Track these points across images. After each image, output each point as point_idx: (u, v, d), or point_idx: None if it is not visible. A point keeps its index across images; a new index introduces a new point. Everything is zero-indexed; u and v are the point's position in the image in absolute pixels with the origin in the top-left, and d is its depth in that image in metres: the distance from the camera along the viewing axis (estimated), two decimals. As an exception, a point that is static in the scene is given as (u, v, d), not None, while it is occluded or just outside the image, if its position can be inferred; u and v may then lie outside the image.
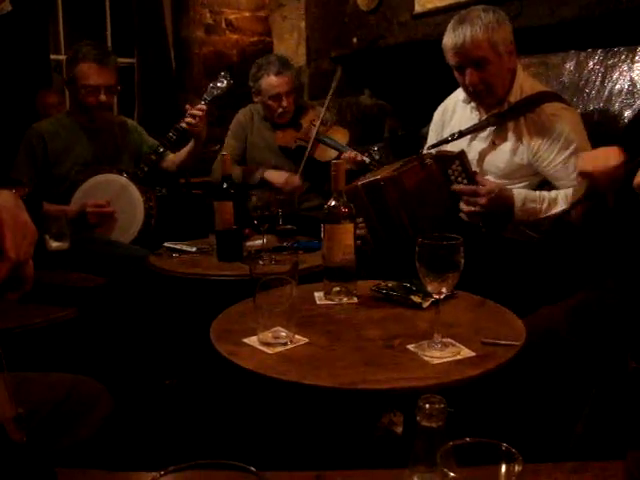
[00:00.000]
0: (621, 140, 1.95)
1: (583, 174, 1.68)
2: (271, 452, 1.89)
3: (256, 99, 3.48)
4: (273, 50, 5.07)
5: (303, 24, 4.74)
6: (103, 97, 3.02)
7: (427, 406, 0.75)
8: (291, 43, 4.90)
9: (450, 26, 2.32)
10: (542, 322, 1.74)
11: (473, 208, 2.17)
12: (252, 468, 0.58)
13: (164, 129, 3.25)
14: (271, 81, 3.34)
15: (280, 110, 3.38)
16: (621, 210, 1.69)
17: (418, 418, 0.75)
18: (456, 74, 2.36)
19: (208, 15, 5.12)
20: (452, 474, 0.65)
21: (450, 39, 2.29)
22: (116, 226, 3.00)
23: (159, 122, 4.14)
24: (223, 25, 5.18)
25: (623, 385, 0.88)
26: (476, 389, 1.48)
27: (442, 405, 0.75)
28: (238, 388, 2.02)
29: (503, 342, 1.43)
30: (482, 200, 2.15)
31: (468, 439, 0.69)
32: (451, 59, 2.32)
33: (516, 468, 0.68)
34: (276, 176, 3.34)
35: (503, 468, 0.69)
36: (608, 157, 1.58)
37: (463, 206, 2.19)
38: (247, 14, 5.24)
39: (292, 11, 4.88)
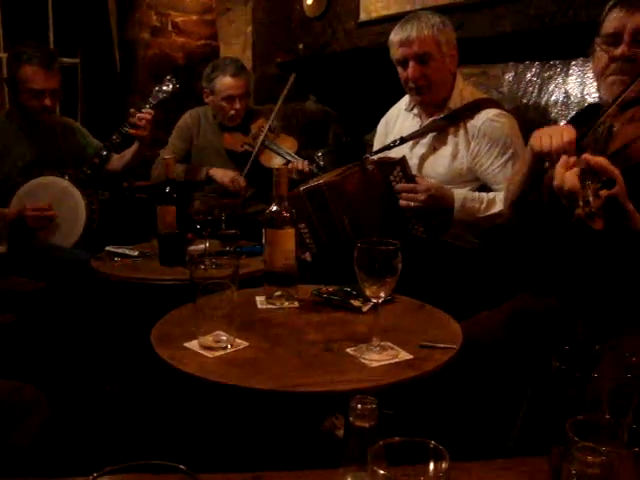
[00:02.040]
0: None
1: (536, 153, 1.69)
2: (212, 456, 1.90)
3: (208, 99, 3.44)
4: (219, 54, 5.05)
5: (250, 29, 4.74)
6: (47, 101, 2.97)
7: (359, 406, 0.77)
8: (237, 48, 4.90)
9: (397, 25, 2.41)
10: (480, 326, 1.79)
11: (412, 204, 2.21)
12: (182, 466, 0.59)
13: (108, 131, 3.21)
14: (226, 82, 3.32)
15: (232, 112, 3.36)
16: (553, 213, 1.73)
17: (351, 418, 0.78)
18: (399, 70, 2.42)
19: (154, 17, 5.07)
20: (382, 472, 0.68)
21: (397, 35, 2.37)
22: (57, 230, 2.94)
23: (103, 124, 4.08)
24: (169, 27, 5.13)
25: (547, 385, 0.92)
26: (415, 391, 1.52)
27: (374, 405, 0.77)
28: (179, 392, 2.01)
29: (440, 345, 1.47)
30: (421, 196, 2.19)
31: (397, 438, 0.72)
32: (396, 53, 2.39)
33: (443, 465, 0.71)
34: (221, 174, 3.32)
35: (431, 465, 0.72)
36: (562, 134, 1.61)
37: (402, 202, 2.22)
38: (194, 17, 5.20)
39: (239, 16, 4.88)
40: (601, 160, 1.38)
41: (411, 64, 2.35)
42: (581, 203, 1.33)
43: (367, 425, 0.77)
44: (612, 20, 1.73)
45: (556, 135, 1.62)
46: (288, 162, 3.24)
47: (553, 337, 1.68)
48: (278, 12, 4.41)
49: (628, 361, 0.94)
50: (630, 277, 1.60)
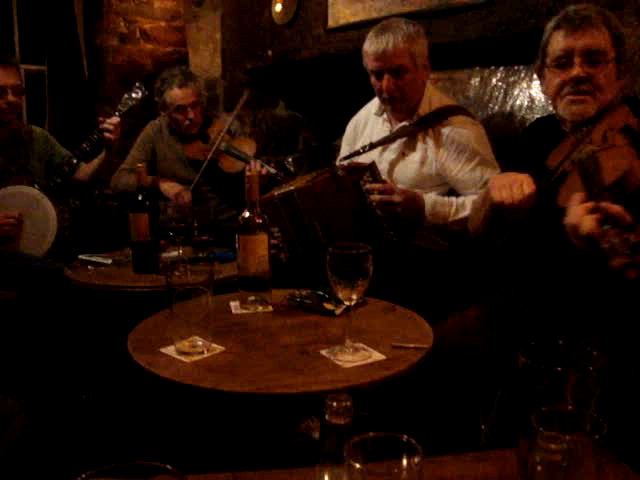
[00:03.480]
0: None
1: (496, 204, 1.69)
2: (191, 458, 1.91)
3: (162, 113, 3.45)
4: (189, 61, 5.06)
5: (218, 35, 4.75)
6: (11, 97, 2.96)
7: (334, 404, 0.80)
8: (206, 54, 4.91)
9: (372, 33, 2.41)
10: (450, 327, 1.83)
11: (388, 207, 2.23)
12: (168, 466, 0.61)
13: (77, 139, 3.20)
14: (175, 94, 3.31)
15: (187, 122, 3.35)
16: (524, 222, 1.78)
17: (326, 416, 0.81)
18: (373, 80, 2.44)
19: (122, 24, 5.06)
20: (358, 465, 0.71)
21: (372, 45, 2.37)
22: (28, 239, 2.93)
23: (72, 132, 4.07)
24: (137, 34, 5.13)
25: (514, 380, 0.96)
26: (390, 392, 1.56)
27: (349, 403, 0.80)
28: (156, 398, 2.02)
29: (412, 345, 1.51)
30: (397, 197, 2.22)
31: (372, 433, 0.75)
32: (371, 64, 2.41)
33: (416, 459, 0.74)
34: (168, 187, 3.31)
35: (405, 460, 0.75)
36: (522, 187, 1.62)
37: (379, 204, 2.23)
38: (162, 24, 5.20)
39: (208, 22, 4.89)
40: (619, 209, 1.36)
41: (386, 77, 2.37)
42: (606, 246, 1.31)
43: (342, 422, 0.80)
44: (559, 42, 1.77)
45: (516, 187, 1.63)
46: (248, 165, 3.23)
47: (521, 337, 1.72)
48: (247, 19, 4.43)
49: (589, 355, 0.98)
50: (595, 282, 1.65)
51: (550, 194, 1.65)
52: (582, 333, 1.58)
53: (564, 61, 1.76)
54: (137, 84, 3.25)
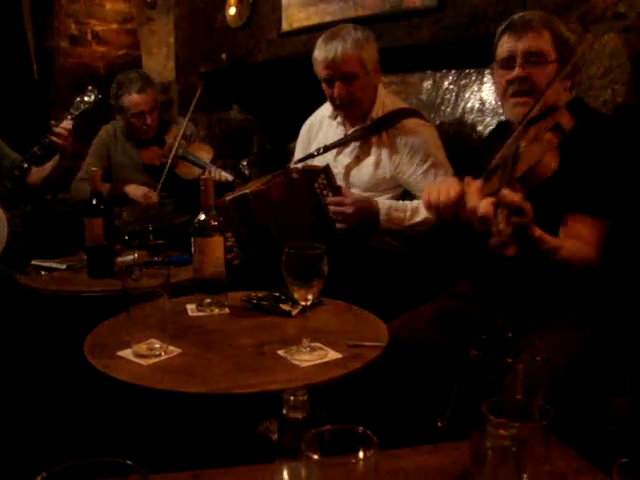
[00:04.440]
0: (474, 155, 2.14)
1: (428, 208, 1.79)
2: (152, 460, 1.90)
3: (118, 117, 3.41)
4: (142, 64, 5.02)
5: (172, 39, 4.73)
6: None
7: (291, 398, 0.82)
8: (160, 57, 4.88)
9: (321, 40, 2.43)
10: (405, 326, 1.86)
11: (340, 217, 2.27)
12: (129, 462, 0.62)
13: (27, 142, 3.15)
14: (134, 99, 3.26)
15: (144, 128, 3.32)
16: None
17: (284, 411, 0.82)
18: (324, 87, 2.47)
19: (73, 25, 4.99)
20: (316, 456, 0.72)
21: (321, 53, 2.40)
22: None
23: (21, 135, 3.99)
24: (89, 37, 5.06)
25: (466, 373, 0.99)
26: (347, 392, 1.58)
27: (305, 397, 0.82)
28: (115, 402, 2.01)
29: (367, 344, 1.54)
30: (349, 209, 2.25)
31: (329, 426, 0.76)
32: (321, 72, 2.43)
33: (372, 451, 0.76)
34: (134, 190, 3.27)
35: (361, 452, 0.77)
36: (448, 190, 1.70)
37: (333, 216, 2.27)
38: (114, 26, 5.15)
39: (161, 25, 4.86)
40: (513, 197, 1.43)
41: (337, 84, 2.39)
42: (494, 230, 1.39)
43: (300, 417, 0.82)
44: (503, 45, 1.85)
45: (443, 191, 1.71)
46: (205, 171, 3.23)
47: (474, 333, 1.77)
48: (201, 22, 4.42)
49: (536, 346, 1.02)
50: (543, 277, 1.71)
51: None
52: (530, 325, 1.64)
53: (506, 63, 1.84)
54: (90, 87, 3.20)
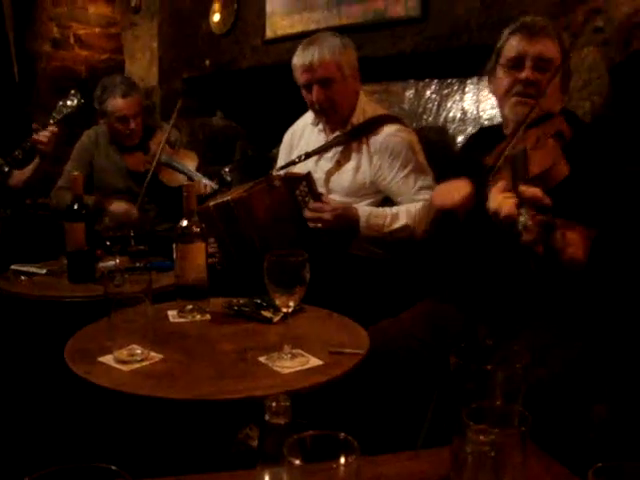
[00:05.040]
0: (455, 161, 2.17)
1: (440, 210, 1.83)
2: (133, 465, 1.89)
3: (102, 121, 3.38)
4: (125, 69, 5.00)
5: (156, 44, 4.72)
6: None
7: (273, 404, 0.82)
8: (143, 62, 4.86)
9: (300, 47, 2.48)
10: (384, 332, 1.87)
11: (320, 225, 2.29)
12: (113, 467, 0.62)
13: (8, 145, 3.13)
14: (118, 103, 3.24)
15: (127, 132, 3.30)
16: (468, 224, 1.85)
17: (266, 417, 0.83)
18: (304, 93, 2.50)
19: (55, 29, 4.97)
20: (297, 462, 0.73)
21: (299, 59, 2.45)
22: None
23: (2, 138, 3.96)
24: (71, 40, 5.04)
25: (447, 380, 1.00)
26: (328, 399, 1.59)
27: (287, 403, 0.83)
28: (96, 408, 2.00)
29: (348, 351, 1.55)
30: (327, 216, 2.28)
31: (311, 431, 0.77)
32: (300, 78, 2.47)
33: (353, 457, 0.77)
34: (115, 207, 3.23)
35: (342, 458, 0.78)
36: (459, 190, 1.73)
37: (310, 224, 2.30)
38: (97, 30, 5.13)
39: (145, 30, 4.85)
40: (535, 191, 1.50)
41: (315, 88, 2.43)
42: (520, 228, 1.44)
43: (282, 422, 0.83)
44: (514, 45, 1.87)
45: (454, 192, 1.75)
46: (189, 179, 3.22)
47: (454, 340, 1.78)
48: (185, 28, 4.42)
49: (516, 353, 1.03)
50: (523, 285, 1.73)
51: (482, 190, 1.74)
52: (510, 333, 1.65)
53: (514, 63, 1.87)
54: (72, 91, 3.19)
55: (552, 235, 1.50)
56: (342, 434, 0.77)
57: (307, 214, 2.30)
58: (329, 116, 2.51)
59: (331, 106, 2.46)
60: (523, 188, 1.49)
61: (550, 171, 1.61)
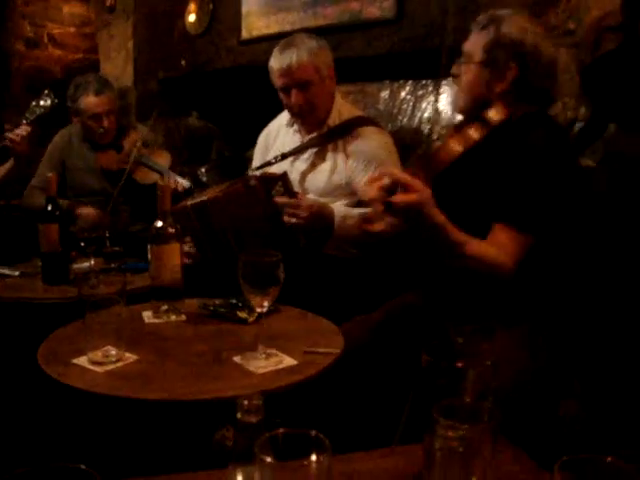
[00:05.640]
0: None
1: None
2: (106, 467, 1.88)
3: (75, 119, 3.36)
4: (100, 68, 4.97)
5: (131, 44, 4.70)
6: None
7: (246, 402, 0.83)
8: (118, 62, 4.84)
9: (276, 50, 2.47)
10: (356, 329, 1.88)
11: (295, 220, 2.29)
12: (82, 466, 0.62)
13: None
14: (91, 101, 3.23)
15: (101, 130, 3.27)
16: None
17: (238, 415, 0.83)
18: (281, 95, 2.50)
19: (28, 28, 4.93)
20: (269, 459, 0.74)
21: (277, 62, 2.44)
22: None
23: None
24: (45, 40, 5.00)
25: (419, 378, 1.02)
26: (303, 398, 1.59)
27: (260, 401, 0.83)
28: (70, 410, 1.99)
29: (322, 350, 1.56)
30: (303, 213, 2.27)
31: (282, 429, 0.78)
32: (277, 81, 2.47)
33: (325, 455, 0.77)
34: (86, 213, 3.21)
35: (314, 456, 0.78)
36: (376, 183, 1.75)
37: (285, 218, 2.29)
38: (72, 30, 5.09)
39: (120, 30, 4.82)
40: (394, 172, 1.54)
41: (293, 92, 2.44)
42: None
43: (254, 420, 0.83)
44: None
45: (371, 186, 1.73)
46: (163, 178, 3.20)
47: (425, 338, 1.79)
48: (160, 28, 4.41)
49: (486, 350, 1.05)
50: (491, 284, 1.75)
51: None
52: (480, 331, 1.67)
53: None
54: (46, 91, 3.15)
55: (425, 224, 1.54)
56: (314, 432, 0.77)
57: (278, 200, 2.29)
58: (306, 118, 2.52)
59: (309, 109, 2.47)
60: (383, 170, 1.55)
61: (437, 152, 1.63)
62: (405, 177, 1.51)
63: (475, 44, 1.82)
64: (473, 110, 1.81)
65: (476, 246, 1.62)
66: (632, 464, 0.75)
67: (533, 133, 1.74)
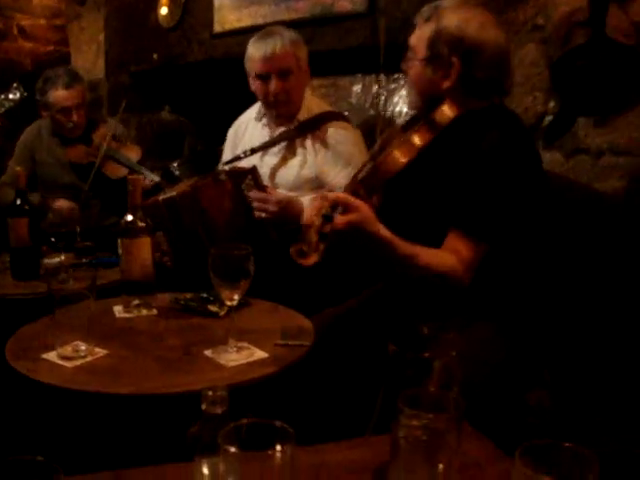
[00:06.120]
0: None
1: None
2: (74, 461, 1.87)
3: (44, 113, 3.31)
4: (71, 61, 4.91)
5: (102, 36, 4.65)
6: None
7: (210, 393, 0.83)
8: (90, 55, 4.79)
9: (256, 39, 2.47)
10: (326, 321, 1.89)
11: (264, 214, 2.30)
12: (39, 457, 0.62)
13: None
14: (60, 94, 3.18)
15: (70, 124, 3.23)
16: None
17: (203, 406, 0.84)
18: (258, 84, 2.49)
19: (-3, 19, 4.85)
20: (232, 449, 0.74)
21: (259, 49, 2.44)
22: None
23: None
24: (15, 31, 4.92)
25: (385, 368, 1.03)
26: (275, 391, 1.60)
27: (224, 392, 0.84)
28: (40, 405, 1.97)
29: (293, 343, 1.56)
30: (272, 207, 2.29)
31: (246, 420, 0.78)
32: (257, 68, 2.46)
33: (289, 445, 0.78)
34: (58, 206, 3.16)
35: (278, 446, 0.79)
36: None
37: (255, 212, 2.31)
38: (42, 22, 5.01)
39: (91, 22, 4.77)
40: (336, 194, 1.58)
41: (273, 80, 2.43)
42: (306, 238, 1.52)
43: (219, 411, 0.84)
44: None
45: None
46: (132, 172, 3.18)
47: (392, 329, 1.80)
48: (132, 21, 4.37)
49: (452, 341, 1.07)
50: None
51: None
52: (446, 322, 1.69)
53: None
54: (14, 84, 3.13)
55: (369, 240, 1.55)
56: (278, 422, 0.78)
57: (248, 194, 2.30)
58: (280, 109, 2.51)
59: (285, 99, 2.47)
60: (326, 194, 1.58)
61: (379, 166, 1.64)
62: (344, 198, 1.53)
63: (419, 38, 1.77)
64: (424, 107, 1.80)
65: (426, 257, 1.61)
66: (595, 449, 0.77)
67: (488, 135, 1.68)
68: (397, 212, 1.72)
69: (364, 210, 1.52)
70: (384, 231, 1.55)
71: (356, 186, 1.64)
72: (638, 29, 1.97)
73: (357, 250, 1.68)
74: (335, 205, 1.51)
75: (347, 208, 1.51)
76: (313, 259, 1.51)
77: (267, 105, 2.55)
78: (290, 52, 2.43)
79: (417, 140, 1.66)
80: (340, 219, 1.50)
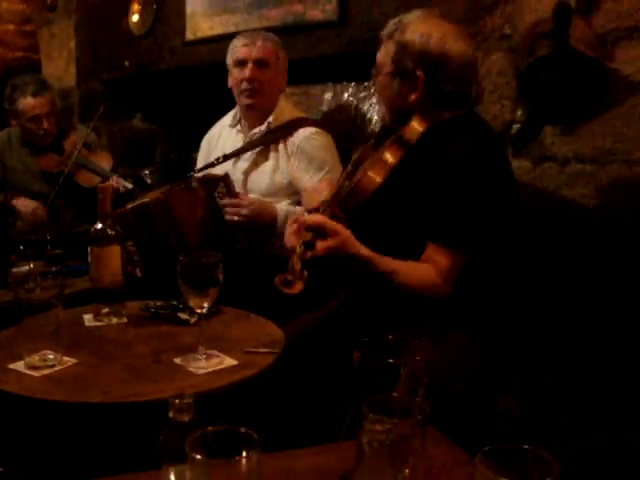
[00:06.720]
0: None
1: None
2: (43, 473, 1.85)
3: (14, 122, 3.28)
4: (41, 68, 4.87)
5: (73, 43, 4.61)
6: None
7: (177, 401, 0.84)
8: (60, 62, 4.75)
9: (241, 35, 2.61)
10: (302, 327, 1.90)
11: (236, 218, 2.31)
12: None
13: None
14: (29, 102, 3.14)
15: (41, 132, 3.21)
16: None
17: (170, 414, 0.84)
18: (235, 71, 2.54)
19: (-37, 24, 4.79)
20: (199, 457, 0.75)
21: (244, 38, 2.56)
22: None
23: None
24: (-18, 37, 4.87)
25: (351, 374, 1.04)
26: (246, 398, 1.60)
27: (191, 400, 0.84)
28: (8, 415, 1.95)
29: (263, 350, 1.57)
30: (244, 210, 2.31)
31: (211, 428, 0.79)
32: (237, 52, 2.53)
33: (254, 451, 0.78)
34: (22, 204, 3.15)
35: (244, 452, 0.79)
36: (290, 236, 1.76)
37: (227, 217, 2.32)
38: (11, 27, 4.96)
39: (62, 29, 4.73)
40: (315, 219, 1.59)
41: (250, 65, 2.49)
42: (290, 264, 1.55)
43: (186, 419, 0.84)
44: None
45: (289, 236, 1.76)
46: (104, 179, 3.17)
47: (358, 335, 1.80)
48: (103, 28, 4.35)
49: (418, 347, 1.08)
50: None
51: None
52: (413, 328, 1.70)
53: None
54: (-18, 91, 3.09)
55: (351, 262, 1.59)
56: (243, 429, 0.79)
57: (226, 210, 2.31)
58: (254, 98, 2.52)
59: (259, 88, 2.50)
60: (305, 217, 1.62)
61: (354, 189, 1.67)
62: (322, 224, 1.56)
63: (384, 55, 1.80)
64: (394, 120, 1.82)
65: (406, 272, 1.64)
66: (557, 453, 0.78)
67: (458, 144, 1.69)
68: (375, 228, 1.73)
69: (344, 233, 1.56)
70: (364, 250, 1.59)
71: (333, 209, 1.66)
72: (601, 41, 2.01)
73: (338, 269, 1.69)
74: (314, 230, 1.55)
75: (326, 234, 1.54)
76: (298, 287, 1.54)
77: (240, 94, 2.55)
78: (271, 48, 2.52)
79: (390, 158, 1.68)
80: (321, 245, 1.54)
